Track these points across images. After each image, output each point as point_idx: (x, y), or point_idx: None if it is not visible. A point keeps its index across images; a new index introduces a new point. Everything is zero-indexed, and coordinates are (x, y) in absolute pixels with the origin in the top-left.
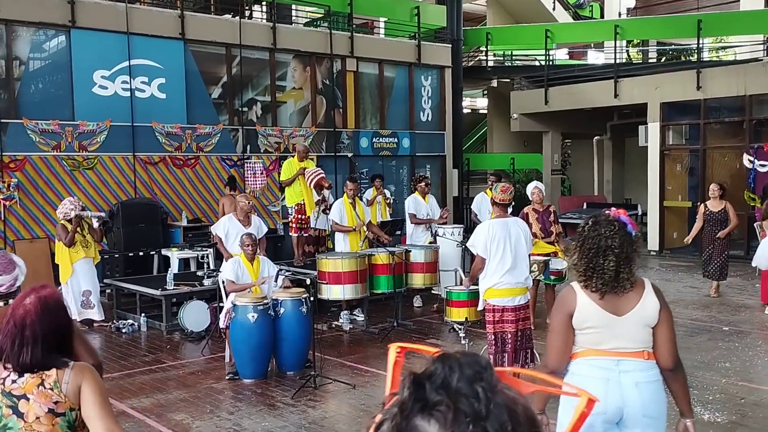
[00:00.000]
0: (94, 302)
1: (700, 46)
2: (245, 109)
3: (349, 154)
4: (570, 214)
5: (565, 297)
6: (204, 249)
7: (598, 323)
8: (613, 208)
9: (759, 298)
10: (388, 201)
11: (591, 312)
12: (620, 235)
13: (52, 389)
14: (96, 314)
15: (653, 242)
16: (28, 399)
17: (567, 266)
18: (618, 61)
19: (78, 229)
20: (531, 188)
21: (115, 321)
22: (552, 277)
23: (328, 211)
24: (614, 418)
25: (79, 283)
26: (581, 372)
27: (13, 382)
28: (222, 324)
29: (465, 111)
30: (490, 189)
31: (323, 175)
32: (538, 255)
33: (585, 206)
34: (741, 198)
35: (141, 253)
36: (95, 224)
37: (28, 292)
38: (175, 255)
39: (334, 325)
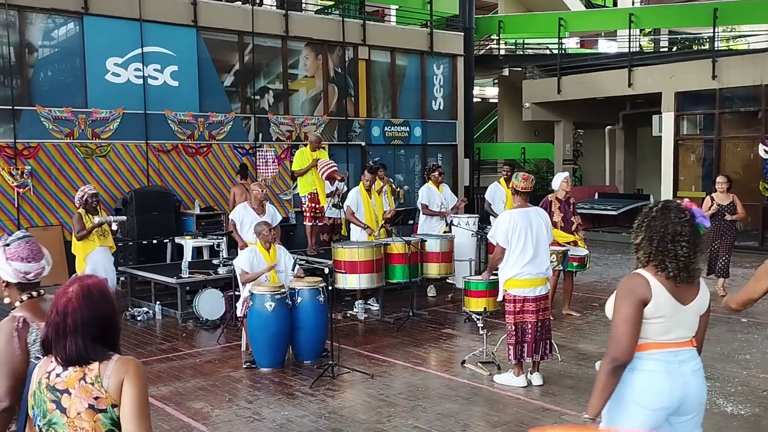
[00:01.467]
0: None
1: (715, 35)
2: (257, 97)
3: (363, 143)
4: (581, 204)
5: (636, 284)
6: (219, 237)
7: (668, 312)
8: (686, 200)
9: None
10: (397, 190)
11: (665, 300)
12: (690, 224)
13: (93, 384)
14: None
15: None
16: (70, 394)
17: (588, 254)
18: (631, 50)
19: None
20: (562, 179)
21: (130, 309)
22: (574, 264)
23: (340, 206)
24: (676, 409)
25: (95, 271)
26: (647, 368)
27: (57, 375)
28: (239, 313)
29: (475, 100)
30: (505, 178)
31: (336, 168)
32: (557, 245)
33: (596, 196)
34: (756, 189)
35: (155, 241)
36: (114, 227)
37: (73, 281)
38: (189, 243)
39: (348, 315)
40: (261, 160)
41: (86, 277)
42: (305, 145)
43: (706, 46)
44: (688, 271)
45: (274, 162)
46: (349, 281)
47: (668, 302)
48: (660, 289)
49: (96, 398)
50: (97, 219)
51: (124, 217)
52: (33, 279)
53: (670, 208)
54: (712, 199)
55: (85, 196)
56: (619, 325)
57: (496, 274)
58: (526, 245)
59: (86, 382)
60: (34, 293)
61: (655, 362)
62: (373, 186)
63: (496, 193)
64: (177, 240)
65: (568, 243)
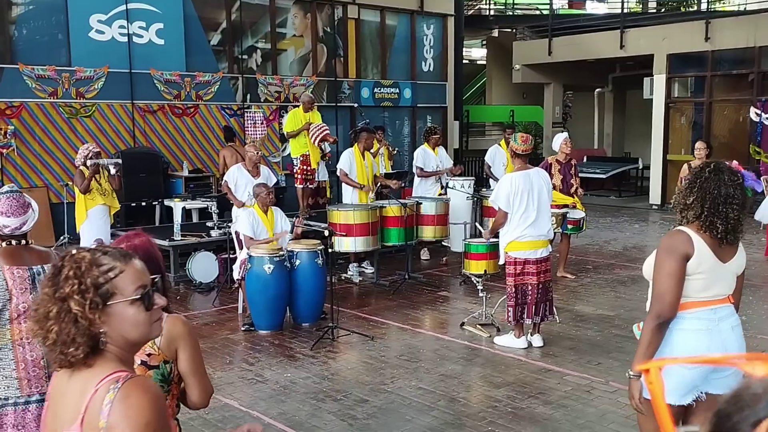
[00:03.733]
0: None
1: None
2: (245, 56)
3: (356, 105)
4: None
5: (679, 240)
6: (210, 199)
7: (708, 269)
8: (734, 161)
9: (764, 252)
10: (394, 152)
11: (706, 257)
12: (741, 186)
13: None
14: None
15: (655, 196)
16: None
17: (584, 216)
18: (624, 11)
19: (96, 176)
20: (561, 140)
21: None
22: (570, 227)
23: (326, 159)
24: (715, 366)
25: (92, 230)
26: (688, 327)
27: None
28: (237, 275)
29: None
30: (505, 141)
31: (328, 131)
32: (556, 207)
33: (585, 159)
34: (745, 152)
35: (143, 204)
36: (112, 171)
37: (121, 240)
38: (179, 205)
39: (343, 278)
40: (249, 122)
41: (133, 235)
42: (296, 107)
43: (694, 8)
44: (734, 233)
45: (262, 123)
46: (344, 244)
47: (709, 258)
48: (702, 245)
49: (149, 355)
50: (90, 162)
51: (119, 160)
52: (9, 233)
53: (723, 170)
54: (690, 167)
55: (90, 154)
56: (663, 281)
57: (497, 236)
58: (528, 208)
59: None
60: (14, 242)
61: (695, 321)
62: (370, 148)
63: (497, 155)
64: (167, 202)
65: (567, 205)
